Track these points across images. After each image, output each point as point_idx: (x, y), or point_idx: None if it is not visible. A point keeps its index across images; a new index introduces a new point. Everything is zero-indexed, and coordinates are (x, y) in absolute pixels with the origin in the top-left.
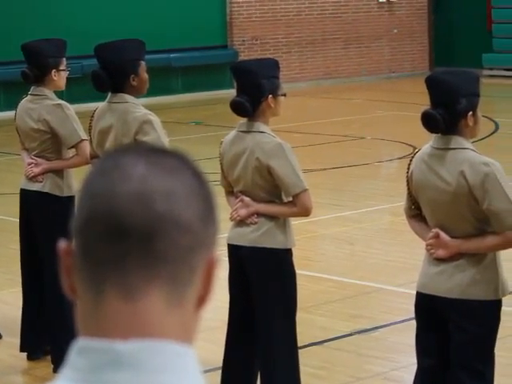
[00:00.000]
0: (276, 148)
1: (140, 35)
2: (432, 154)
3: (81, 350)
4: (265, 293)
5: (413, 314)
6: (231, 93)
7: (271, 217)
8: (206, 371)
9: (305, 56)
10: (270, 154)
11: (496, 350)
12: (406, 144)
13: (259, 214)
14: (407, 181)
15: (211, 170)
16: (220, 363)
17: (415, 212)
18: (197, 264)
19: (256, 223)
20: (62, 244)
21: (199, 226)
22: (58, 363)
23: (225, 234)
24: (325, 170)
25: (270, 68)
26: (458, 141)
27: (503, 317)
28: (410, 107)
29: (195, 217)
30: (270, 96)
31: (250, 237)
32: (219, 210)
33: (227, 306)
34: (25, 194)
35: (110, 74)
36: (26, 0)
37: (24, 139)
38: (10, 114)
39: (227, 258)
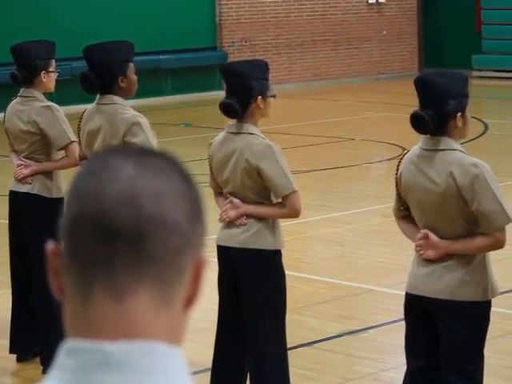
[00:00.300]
0: (265, 149)
1: (130, 37)
2: (421, 155)
3: (69, 350)
4: (254, 293)
5: (402, 315)
6: (221, 94)
7: (260, 218)
8: (196, 372)
9: (294, 57)
10: (259, 155)
11: (485, 351)
12: (396, 145)
13: (248, 216)
14: (396, 182)
15: (201, 172)
16: (209, 364)
17: (404, 213)
18: (185, 265)
19: (245, 224)
20: (50, 245)
21: (187, 226)
22: (47, 365)
23: (214, 235)
24: (314, 171)
25: (260, 69)
26: (446, 142)
27: (492, 318)
28: (399, 108)
29: (183, 218)
30: (260, 97)
31: (239, 238)
32: (208, 211)
33: (216, 307)
34: (14, 196)
35: (98, 75)
36: (14, 2)
37: (13, 141)
38: None
39: (216, 260)
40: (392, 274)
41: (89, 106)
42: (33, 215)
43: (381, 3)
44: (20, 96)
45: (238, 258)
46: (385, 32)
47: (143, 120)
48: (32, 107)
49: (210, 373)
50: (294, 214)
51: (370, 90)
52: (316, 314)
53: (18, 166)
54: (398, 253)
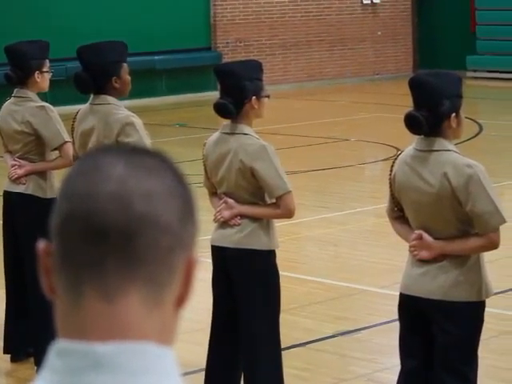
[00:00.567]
0: (260, 150)
1: (124, 37)
2: (415, 155)
3: (60, 351)
4: (248, 294)
5: (396, 316)
6: (215, 95)
7: (254, 218)
8: (190, 373)
9: (289, 58)
10: (253, 156)
11: (479, 352)
12: (391, 146)
13: (242, 216)
14: (390, 183)
15: (195, 172)
16: (203, 365)
17: (398, 214)
18: (176, 264)
19: (239, 225)
20: (41, 244)
21: (179, 226)
22: (41, 365)
23: (208, 235)
24: (309, 171)
25: (254, 70)
26: (441, 143)
27: (486, 318)
28: (393, 109)
29: (175, 217)
30: (254, 98)
31: (233, 238)
32: (202, 211)
33: (210, 307)
34: (8, 196)
35: (92, 75)
36: (8, 2)
37: (7, 141)
38: None
39: (210, 260)
40: (386, 275)
41: (82, 107)
42: (27, 215)
43: (375, 4)
44: (14, 96)
45: (232, 258)
46: (379, 33)
47: (137, 120)
48: (26, 107)
49: (203, 373)
50: (288, 214)
51: (365, 91)
52: (310, 315)
53: (12, 167)
54: (392, 253)
